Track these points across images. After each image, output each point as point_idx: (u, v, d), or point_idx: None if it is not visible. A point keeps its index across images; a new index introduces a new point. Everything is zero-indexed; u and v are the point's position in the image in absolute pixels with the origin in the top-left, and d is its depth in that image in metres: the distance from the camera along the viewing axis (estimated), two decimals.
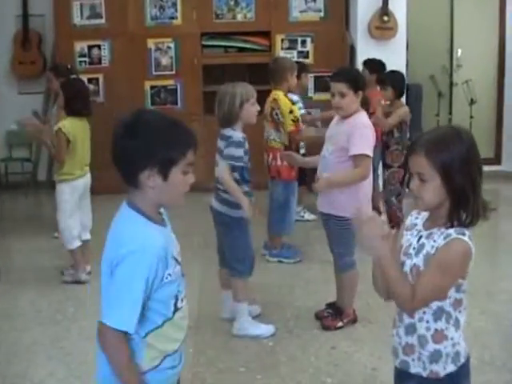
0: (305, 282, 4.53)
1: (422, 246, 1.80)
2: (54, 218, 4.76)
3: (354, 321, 3.77)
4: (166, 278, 1.70)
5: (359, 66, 6.48)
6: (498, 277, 4.55)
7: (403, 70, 6.18)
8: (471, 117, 7.71)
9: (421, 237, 1.82)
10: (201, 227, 5.04)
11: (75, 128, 4.45)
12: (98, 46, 7.52)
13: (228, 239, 3.62)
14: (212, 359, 3.38)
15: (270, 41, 7.53)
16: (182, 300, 1.78)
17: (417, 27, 7.77)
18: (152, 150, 1.65)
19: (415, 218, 1.90)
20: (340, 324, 3.71)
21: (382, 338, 3.36)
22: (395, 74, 5.55)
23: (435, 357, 1.80)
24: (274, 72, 4.96)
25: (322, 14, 7.57)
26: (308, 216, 6.09)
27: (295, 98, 5.36)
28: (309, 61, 7.39)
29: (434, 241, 1.77)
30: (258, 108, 3.63)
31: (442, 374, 1.81)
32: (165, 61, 7.57)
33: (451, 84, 8.26)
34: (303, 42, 7.56)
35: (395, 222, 5.16)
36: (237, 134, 3.51)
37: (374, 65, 6.09)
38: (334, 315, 3.74)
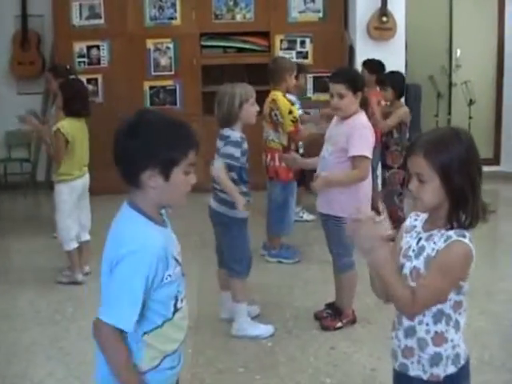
0: (304, 283, 4.53)
1: (422, 248, 1.79)
2: (52, 218, 4.77)
3: (353, 321, 3.77)
4: (166, 278, 1.70)
5: (358, 67, 6.48)
6: (497, 277, 4.55)
7: (402, 71, 6.18)
8: (470, 117, 7.72)
9: (420, 239, 1.82)
10: (200, 227, 5.04)
11: (74, 128, 4.45)
12: (97, 47, 7.52)
13: (226, 239, 3.62)
14: (211, 359, 3.38)
15: (269, 41, 7.53)
16: (181, 300, 1.78)
17: (416, 28, 7.77)
18: (153, 150, 1.65)
19: (414, 220, 1.90)
20: (339, 324, 3.71)
21: (381, 338, 3.36)
22: (395, 74, 5.55)
23: (435, 360, 1.79)
24: (273, 72, 4.96)
25: (320, 14, 7.58)
26: (307, 216, 6.10)
27: (293, 98, 5.36)
28: (308, 61, 7.40)
29: (435, 243, 1.76)
30: (258, 108, 3.63)
31: (443, 376, 1.81)
32: (164, 61, 7.57)
33: (450, 84, 8.27)
34: (302, 43, 7.57)
35: (396, 222, 5.15)
36: (235, 133, 3.51)
37: (374, 65, 6.08)
38: (333, 316, 3.74)
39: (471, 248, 1.73)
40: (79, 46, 7.49)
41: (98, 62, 7.54)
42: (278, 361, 3.37)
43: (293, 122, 4.82)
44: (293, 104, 5.03)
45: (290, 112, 4.82)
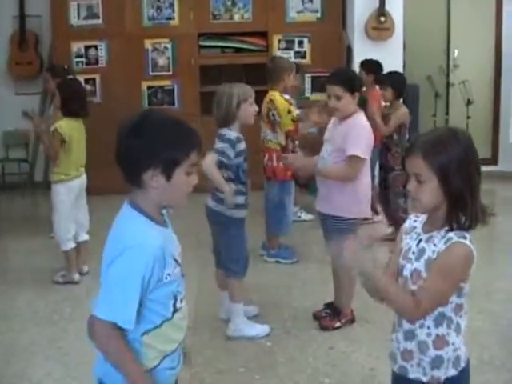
0: (302, 283, 4.53)
1: (423, 250, 1.78)
2: (50, 218, 4.76)
3: (352, 321, 3.77)
4: (166, 278, 1.70)
5: (356, 67, 6.48)
6: (495, 276, 4.55)
7: (400, 71, 6.19)
8: (468, 117, 7.72)
9: (420, 240, 1.81)
10: (199, 227, 5.03)
11: (71, 129, 4.45)
12: (95, 47, 7.51)
13: (223, 238, 3.61)
14: (210, 359, 3.38)
15: (267, 41, 7.53)
16: (181, 301, 1.78)
17: (413, 28, 7.78)
18: (156, 150, 1.66)
19: (414, 221, 1.89)
20: (338, 324, 3.71)
21: (379, 337, 3.36)
22: (395, 74, 5.53)
23: (436, 363, 1.79)
24: (271, 71, 4.95)
25: (318, 14, 7.57)
26: (305, 216, 6.09)
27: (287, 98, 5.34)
28: (306, 61, 7.41)
29: (435, 245, 1.76)
30: (257, 108, 3.62)
31: (443, 378, 1.80)
32: (162, 61, 7.56)
33: (448, 84, 8.28)
34: (300, 43, 7.57)
35: (396, 222, 5.14)
36: (231, 133, 3.50)
37: (371, 65, 6.08)
38: (332, 315, 3.74)
39: (472, 249, 1.73)
40: (77, 46, 7.48)
41: (96, 62, 7.53)
42: (276, 361, 3.37)
43: (293, 121, 4.82)
44: (291, 104, 5.03)
45: (289, 112, 4.82)
